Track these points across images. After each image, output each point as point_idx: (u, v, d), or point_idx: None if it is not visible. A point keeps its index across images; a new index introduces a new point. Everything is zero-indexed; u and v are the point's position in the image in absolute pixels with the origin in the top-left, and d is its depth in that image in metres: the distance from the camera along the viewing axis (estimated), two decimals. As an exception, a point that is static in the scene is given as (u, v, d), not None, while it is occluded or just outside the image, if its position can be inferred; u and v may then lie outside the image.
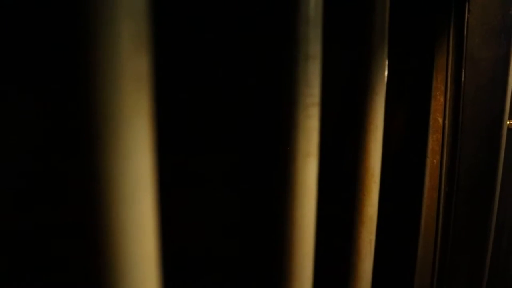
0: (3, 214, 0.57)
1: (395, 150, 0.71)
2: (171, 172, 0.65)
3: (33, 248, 0.60)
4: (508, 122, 0.71)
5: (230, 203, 0.71)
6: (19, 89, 0.53)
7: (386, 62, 0.50)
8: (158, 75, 0.24)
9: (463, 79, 0.67)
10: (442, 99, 0.68)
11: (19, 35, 0.49)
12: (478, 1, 0.65)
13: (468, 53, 0.66)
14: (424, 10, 0.68)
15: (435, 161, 0.69)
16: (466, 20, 0.66)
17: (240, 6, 0.62)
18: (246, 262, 0.70)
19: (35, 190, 0.58)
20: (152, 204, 0.25)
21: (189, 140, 0.67)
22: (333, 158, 0.65)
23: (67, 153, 0.24)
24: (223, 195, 0.70)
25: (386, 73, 0.51)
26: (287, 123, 0.34)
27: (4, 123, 0.54)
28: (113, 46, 0.22)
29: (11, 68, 0.51)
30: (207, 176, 0.69)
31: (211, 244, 0.71)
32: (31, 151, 0.56)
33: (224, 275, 0.72)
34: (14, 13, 0.48)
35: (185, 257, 0.70)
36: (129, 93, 0.23)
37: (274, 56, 0.33)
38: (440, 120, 0.69)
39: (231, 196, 0.71)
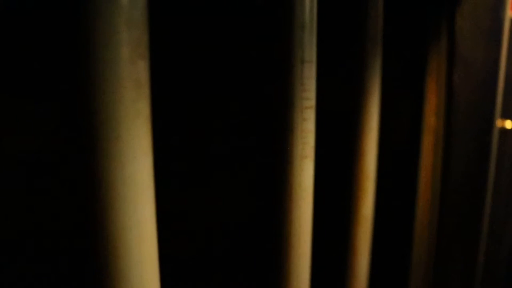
0: (3, 215, 0.57)
1: (390, 152, 0.72)
2: (169, 174, 0.65)
3: (33, 251, 0.60)
4: (500, 123, 0.72)
5: (227, 205, 0.71)
6: (19, 95, 0.53)
7: (380, 65, 0.51)
8: (156, 79, 0.25)
9: (455, 81, 0.68)
10: (435, 101, 0.69)
11: (20, 40, 0.49)
12: (469, 3, 0.66)
13: (460, 56, 0.67)
14: (416, 13, 0.69)
15: (428, 162, 0.70)
16: (457, 23, 0.67)
17: (236, 10, 0.62)
18: (244, 264, 0.71)
19: (36, 192, 0.58)
20: (152, 207, 0.25)
21: (185, 144, 0.67)
22: (329, 160, 0.66)
23: (68, 157, 0.25)
24: (221, 197, 0.70)
25: (380, 76, 0.52)
26: (283, 126, 0.35)
27: (6, 126, 0.54)
28: (113, 53, 0.22)
29: (12, 73, 0.52)
30: (203, 179, 0.69)
31: (208, 245, 0.72)
32: (32, 154, 0.56)
33: (222, 276, 0.72)
34: (14, 20, 0.49)
35: (182, 259, 0.70)
36: (129, 98, 0.23)
37: (270, 60, 0.34)
38: (433, 122, 0.70)
39: (229, 198, 0.71)
